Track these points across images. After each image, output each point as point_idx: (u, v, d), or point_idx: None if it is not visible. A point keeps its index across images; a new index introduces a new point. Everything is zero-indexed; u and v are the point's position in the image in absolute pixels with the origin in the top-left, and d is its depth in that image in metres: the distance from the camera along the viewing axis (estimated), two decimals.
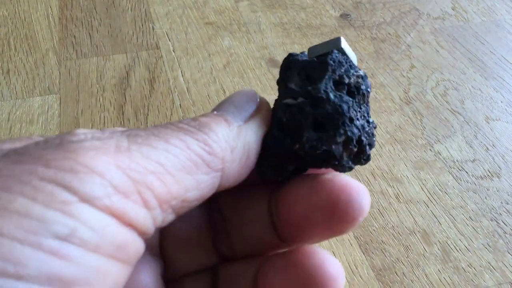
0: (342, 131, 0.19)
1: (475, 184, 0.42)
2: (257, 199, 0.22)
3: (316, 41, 0.57)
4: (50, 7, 0.61)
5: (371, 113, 0.48)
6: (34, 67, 0.53)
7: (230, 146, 0.18)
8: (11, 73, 0.52)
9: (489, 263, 0.37)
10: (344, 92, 0.20)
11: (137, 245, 0.16)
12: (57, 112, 0.48)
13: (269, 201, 0.21)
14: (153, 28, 0.58)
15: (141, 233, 0.16)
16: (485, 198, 0.41)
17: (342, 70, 0.20)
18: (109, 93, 0.50)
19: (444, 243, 0.38)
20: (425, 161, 0.44)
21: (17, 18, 0.59)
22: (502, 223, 0.40)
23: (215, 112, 0.19)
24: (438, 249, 0.38)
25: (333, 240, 0.38)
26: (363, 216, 0.19)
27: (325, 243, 0.38)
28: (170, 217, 0.17)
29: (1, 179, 0.14)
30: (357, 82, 0.20)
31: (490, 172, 0.43)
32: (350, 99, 0.19)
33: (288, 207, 0.20)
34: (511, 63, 0.55)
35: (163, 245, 0.22)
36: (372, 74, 0.53)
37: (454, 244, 0.38)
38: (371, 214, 0.40)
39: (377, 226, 0.39)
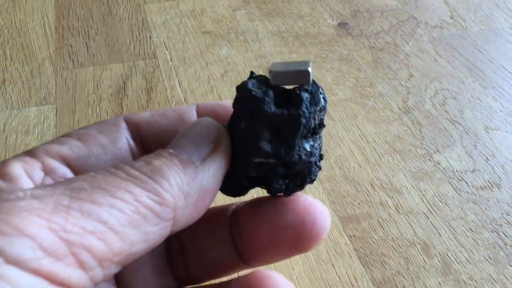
0: (308, 180, 0.20)
1: (475, 195, 0.42)
2: (217, 223, 0.21)
3: (314, 50, 0.57)
4: (47, 16, 0.61)
5: (369, 122, 0.47)
6: (30, 77, 0.52)
7: (183, 192, 0.17)
8: (7, 83, 0.51)
9: (490, 275, 0.37)
10: (310, 137, 0.19)
11: None
12: (53, 122, 0.47)
13: (230, 224, 0.21)
14: (150, 37, 0.58)
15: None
16: (486, 209, 0.41)
17: (311, 118, 0.19)
18: (106, 103, 0.49)
19: (445, 255, 0.38)
20: (424, 171, 0.44)
21: (13, 27, 0.59)
22: (503, 235, 0.39)
23: (170, 150, 0.18)
24: (439, 261, 0.38)
25: (332, 253, 0.38)
26: (326, 234, 0.19)
27: (324, 255, 0.37)
28: (113, 271, 0.16)
29: None
30: (321, 118, 0.20)
31: (490, 183, 0.43)
32: (315, 144, 0.19)
33: (253, 229, 0.20)
34: (510, 72, 0.54)
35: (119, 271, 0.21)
36: (370, 83, 0.52)
37: (455, 256, 0.38)
38: (371, 226, 0.40)
39: (376, 238, 0.39)
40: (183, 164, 0.18)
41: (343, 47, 0.57)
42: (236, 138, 0.19)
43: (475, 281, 0.36)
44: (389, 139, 0.47)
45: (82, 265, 0.15)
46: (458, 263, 0.38)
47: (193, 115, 0.21)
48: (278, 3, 0.64)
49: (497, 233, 0.40)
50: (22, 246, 0.14)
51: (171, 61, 0.55)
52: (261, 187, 0.20)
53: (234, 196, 0.20)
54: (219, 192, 0.20)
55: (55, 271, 0.14)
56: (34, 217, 0.15)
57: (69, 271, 0.15)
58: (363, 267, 0.37)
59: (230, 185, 0.20)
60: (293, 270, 0.37)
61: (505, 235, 0.39)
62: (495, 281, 0.36)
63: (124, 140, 0.20)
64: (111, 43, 0.57)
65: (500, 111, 0.50)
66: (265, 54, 0.56)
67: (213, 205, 0.20)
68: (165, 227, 0.17)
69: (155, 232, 0.17)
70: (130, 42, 0.57)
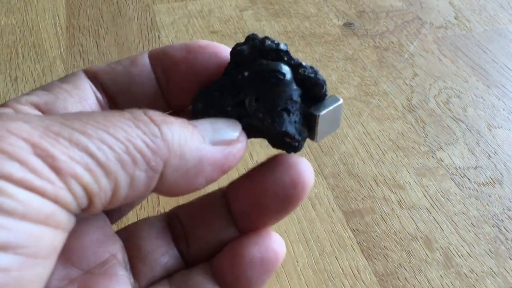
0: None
1: (477, 191, 0.43)
2: (213, 201, 0.23)
3: (320, 49, 0.57)
4: (58, 16, 0.62)
5: (374, 120, 0.48)
6: (41, 75, 0.54)
7: (180, 151, 0.17)
8: (19, 81, 0.53)
9: (490, 268, 0.37)
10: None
11: (66, 215, 0.16)
12: None
13: (225, 199, 0.22)
14: (159, 37, 0.59)
15: (68, 210, 0.16)
16: (487, 204, 0.42)
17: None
18: None
19: (446, 249, 0.39)
20: (427, 168, 0.45)
21: (25, 26, 0.60)
22: (504, 230, 0.40)
23: (187, 119, 0.18)
24: (440, 254, 0.38)
25: (336, 246, 0.39)
26: (310, 185, 0.20)
27: (328, 248, 0.38)
28: (97, 209, 0.17)
29: None
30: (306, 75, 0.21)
31: (492, 179, 0.44)
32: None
33: (244, 195, 0.21)
34: None
35: (129, 251, 0.23)
36: (375, 82, 0.53)
37: (456, 250, 0.39)
38: (374, 220, 0.40)
39: (379, 232, 0.40)
40: (195, 133, 0.18)
41: (348, 47, 0.58)
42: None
43: (476, 274, 0.37)
44: (393, 136, 0.47)
45: (71, 191, 0.15)
46: (459, 256, 0.38)
47: (145, 60, 0.22)
48: (284, 4, 0.65)
49: (498, 228, 0.40)
50: (11, 167, 0.15)
51: None
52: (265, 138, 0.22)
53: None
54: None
55: (46, 189, 0.15)
56: (22, 143, 0.15)
57: (61, 193, 0.15)
58: (366, 259, 0.38)
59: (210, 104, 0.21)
60: (297, 262, 0.37)
61: (506, 230, 0.40)
62: (495, 274, 0.37)
63: (86, 85, 0.21)
64: (121, 42, 0.58)
65: (503, 109, 0.51)
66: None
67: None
68: (152, 178, 0.17)
69: (141, 179, 0.16)
70: (139, 41, 0.58)
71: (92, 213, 0.17)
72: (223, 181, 0.22)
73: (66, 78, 0.21)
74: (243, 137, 0.20)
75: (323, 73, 0.54)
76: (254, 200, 0.21)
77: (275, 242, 0.21)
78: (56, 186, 0.15)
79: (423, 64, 0.56)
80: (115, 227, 0.25)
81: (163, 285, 0.22)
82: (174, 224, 0.23)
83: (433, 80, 0.54)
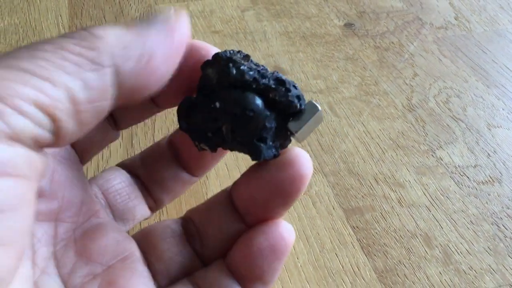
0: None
1: (476, 189, 0.43)
2: (221, 200, 0.23)
3: (321, 49, 0.58)
4: (60, 16, 0.63)
5: (374, 119, 0.49)
6: None
7: (121, 42, 0.17)
8: None
9: (489, 265, 0.38)
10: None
11: (26, 156, 0.15)
12: None
13: (231, 197, 0.23)
14: None
15: (31, 140, 0.15)
16: (486, 202, 0.42)
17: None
18: None
19: (446, 246, 0.39)
20: (427, 166, 0.45)
21: (27, 26, 0.61)
22: (502, 227, 0.40)
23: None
24: (440, 252, 0.39)
25: (336, 243, 0.39)
26: (309, 175, 0.21)
27: (328, 245, 0.39)
28: (70, 124, 0.16)
29: None
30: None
31: (491, 178, 0.44)
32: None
33: (248, 190, 0.22)
34: None
35: (145, 251, 0.23)
36: (375, 82, 0.54)
37: (455, 247, 0.39)
38: (374, 218, 0.41)
39: (379, 229, 0.40)
40: (128, 27, 0.18)
41: (349, 47, 0.59)
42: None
43: (474, 270, 0.38)
44: (393, 135, 0.48)
45: (21, 112, 0.15)
46: (458, 253, 0.39)
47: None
48: (285, 4, 0.65)
49: (497, 225, 0.41)
50: None
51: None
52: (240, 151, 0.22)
53: (211, 149, 0.22)
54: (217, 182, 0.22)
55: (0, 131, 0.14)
56: None
57: (7, 119, 0.14)
58: (366, 256, 0.38)
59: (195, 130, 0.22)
60: (297, 259, 0.38)
61: (505, 228, 0.40)
62: (494, 271, 0.38)
63: None
64: None
65: (503, 109, 0.51)
66: (272, 54, 0.57)
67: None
68: (105, 74, 0.17)
69: (94, 78, 0.16)
70: None
71: (68, 132, 0.16)
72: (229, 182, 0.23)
73: None
74: (182, 12, 0.20)
75: (323, 73, 0.54)
76: (255, 196, 0.21)
77: (282, 229, 0.21)
78: (6, 116, 0.14)
79: (423, 64, 0.57)
80: (131, 231, 0.26)
81: (184, 284, 0.22)
82: (188, 226, 0.24)
83: (433, 80, 0.54)
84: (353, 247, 0.39)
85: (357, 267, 0.38)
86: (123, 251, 0.22)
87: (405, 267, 0.38)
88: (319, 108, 0.21)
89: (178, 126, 0.23)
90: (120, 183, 0.25)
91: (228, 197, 0.23)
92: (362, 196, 0.42)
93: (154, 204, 0.26)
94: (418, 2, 0.67)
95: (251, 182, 0.22)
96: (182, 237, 0.23)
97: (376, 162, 0.45)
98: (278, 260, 0.21)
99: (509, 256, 0.39)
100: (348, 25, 0.62)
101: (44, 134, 0.16)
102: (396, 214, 0.41)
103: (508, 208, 0.42)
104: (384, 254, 0.38)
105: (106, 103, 0.17)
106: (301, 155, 0.21)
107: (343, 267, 0.37)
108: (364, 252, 0.38)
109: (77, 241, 0.21)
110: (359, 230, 0.40)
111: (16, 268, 0.16)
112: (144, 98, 0.19)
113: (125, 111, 0.23)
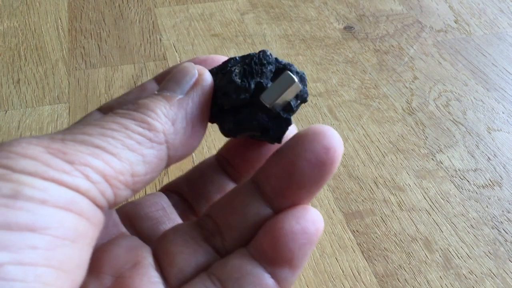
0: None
1: (476, 193, 0.43)
2: (242, 187, 0.23)
3: (320, 52, 0.58)
4: (60, 19, 0.62)
5: (374, 123, 0.49)
6: (44, 77, 0.54)
7: (170, 119, 0.20)
8: (21, 83, 0.53)
9: (490, 270, 0.38)
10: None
11: (87, 203, 0.17)
12: (66, 120, 0.49)
13: (253, 181, 0.22)
14: (160, 40, 0.60)
15: (90, 199, 0.17)
16: (486, 206, 0.42)
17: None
18: None
19: (446, 250, 0.39)
20: (427, 170, 0.45)
21: (27, 29, 0.61)
22: (503, 231, 0.40)
23: (155, 92, 0.21)
24: (440, 256, 0.39)
25: (336, 247, 0.39)
26: (341, 156, 0.20)
27: (328, 249, 0.39)
28: (125, 192, 0.19)
29: None
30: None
31: (491, 181, 0.44)
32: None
33: (275, 167, 0.21)
34: None
35: (158, 257, 0.23)
36: (375, 85, 0.54)
37: (456, 251, 0.39)
38: (374, 222, 0.41)
39: (379, 234, 0.40)
40: (167, 99, 0.20)
41: (348, 50, 0.58)
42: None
43: (475, 275, 0.37)
44: (393, 139, 0.48)
45: (88, 178, 0.17)
46: (459, 258, 0.38)
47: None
48: (285, 8, 0.65)
49: (498, 229, 0.40)
50: (26, 163, 0.16)
51: (180, 62, 0.56)
52: (254, 135, 0.23)
53: (228, 135, 0.23)
54: None
55: (64, 179, 0.16)
56: (33, 146, 0.17)
57: (77, 181, 0.17)
58: (366, 261, 0.38)
59: (222, 124, 0.22)
60: None
61: (506, 232, 0.40)
62: (495, 276, 0.37)
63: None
64: (123, 45, 0.59)
65: (503, 112, 0.51)
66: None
67: None
68: (161, 150, 0.19)
69: (152, 154, 0.19)
70: (141, 44, 0.59)
71: (122, 198, 0.19)
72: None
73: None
74: (202, 69, 0.22)
75: (323, 76, 0.54)
76: (287, 174, 0.21)
77: (313, 214, 0.21)
78: (72, 176, 0.17)
79: (423, 67, 0.57)
80: None
81: (201, 277, 0.22)
82: (206, 224, 0.23)
83: (433, 83, 0.54)
84: (353, 251, 0.39)
85: (357, 272, 0.37)
86: (134, 258, 0.22)
87: (406, 271, 0.38)
88: (296, 80, 0.21)
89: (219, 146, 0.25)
90: (151, 207, 0.25)
91: (252, 185, 0.22)
92: (362, 200, 0.42)
93: (193, 217, 0.26)
94: (418, 5, 0.67)
95: (281, 161, 0.21)
96: (196, 237, 0.23)
97: (376, 166, 0.45)
98: (309, 244, 0.20)
99: (509, 260, 0.38)
100: (348, 28, 0.62)
101: (103, 202, 0.18)
102: (396, 218, 0.41)
103: (509, 212, 0.42)
104: (385, 258, 0.38)
105: (157, 174, 0.20)
106: (327, 128, 0.20)
107: (343, 272, 0.37)
108: (364, 257, 0.38)
109: (91, 258, 0.21)
110: (359, 234, 0.40)
111: None
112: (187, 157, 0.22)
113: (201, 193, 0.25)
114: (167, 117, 0.20)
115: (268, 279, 0.21)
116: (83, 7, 0.64)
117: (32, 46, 0.58)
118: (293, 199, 0.21)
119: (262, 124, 0.22)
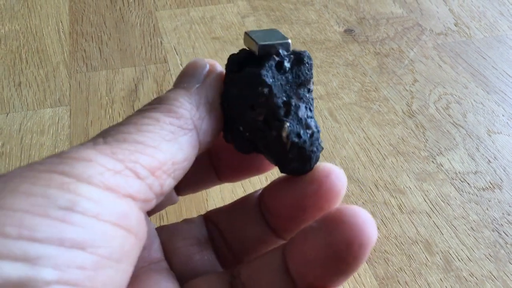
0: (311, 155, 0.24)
1: (477, 196, 0.43)
2: (247, 205, 0.24)
3: (321, 55, 0.58)
4: (61, 22, 0.63)
5: (374, 125, 0.49)
6: (45, 80, 0.54)
7: (194, 105, 0.21)
8: (23, 85, 0.53)
9: (490, 272, 0.38)
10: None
11: (137, 215, 0.18)
12: (67, 123, 0.49)
13: (259, 204, 0.23)
14: (161, 43, 0.60)
15: (141, 201, 0.18)
16: (487, 209, 0.42)
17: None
18: (118, 105, 0.51)
19: (446, 253, 0.39)
20: (427, 172, 0.45)
21: (28, 32, 0.61)
22: (503, 234, 0.40)
23: (172, 88, 0.22)
24: (440, 258, 0.39)
25: None
26: (343, 192, 0.21)
27: None
28: (168, 181, 0.19)
29: (4, 178, 0.16)
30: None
31: (491, 184, 0.44)
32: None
33: (278, 202, 0.22)
34: None
35: (172, 264, 0.23)
36: (375, 88, 0.54)
37: (456, 254, 0.39)
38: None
39: (380, 236, 0.40)
40: (186, 89, 0.21)
41: (349, 53, 0.59)
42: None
43: (475, 277, 0.37)
44: (393, 141, 0.48)
45: (137, 175, 0.18)
46: (459, 260, 0.39)
47: None
48: (286, 11, 0.65)
49: (498, 232, 0.40)
50: (84, 167, 0.17)
51: (181, 65, 0.56)
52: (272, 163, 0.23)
53: (243, 152, 0.23)
54: (247, 181, 0.23)
55: (118, 183, 0.17)
56: (84, 149, 0.17)
57: (130, 182, 0.17)
58: (367, 263, 0.38)
59: (237, 142, 0.23)
60: None
61: (506, 234, 0.40)
62: (495, 278, 0.37)
63: None
64: (124, 48, 0.59)
65: (503, 115, 0.51)
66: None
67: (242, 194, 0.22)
68: (192, 136, 0.20)
69: (186, 140, 0.20)
70: (141, 47, 0.59)
71: (166, 188, 0.20)
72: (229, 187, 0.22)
73: None
74: (211, 61, 0.23)
75: (324, 79, 0.54)
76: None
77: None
78: (123, 175, 0.17)
79: (423, 70, 0.57)
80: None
81: (211, 276, 0.23)
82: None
83: (433, 86, 0.55)
84: None
85: (358, 274, 0.37)
86: (148, 252, 0.23)
87: (406, 274, 0.38)
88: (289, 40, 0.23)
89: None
90: (185, 240, 0.25)
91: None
92: (363, 203, 0.42)
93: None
94: (418, 8, 0.67)
95: (282, 191, 0.22)
96: (204, 238, 0.24)
97: (376, 168, 0.45)
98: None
99: (510, 262, 0.38)
100: (348, 31, 0.62)
101: (151, 197, 0.19)
102: (396, 220, 0.41)
103: (509, 215, 0.42)
104: (385, 261, 0.38)
105: (192, 161, 0.21)
106: (334, 169, 0.21)
107: None
108: None
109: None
110: None
111: None
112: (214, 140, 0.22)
113: (188, 180, 0.24)
114: (191, 103, 0.21)
115: None
116: (84, 10, 0.65)
117: (33, 49, 0.58)
118: (292, 227, 0.22)
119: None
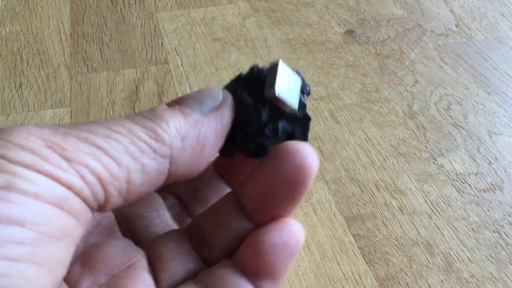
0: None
1: (477, 197, 0.43)
2: (226, 199, 0.23)
3: (321, 56, 0.58)
4: (62, 23, 0.63)
5: (375, 126, 0.49)
6: (46, 81, 0.54)
7: (181, 135, 0.19)
8: (23, 87, 0.53)
9: (491, 274, 0.38)
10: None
11: (78, 201, 0.17)
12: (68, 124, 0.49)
13: (235, 194, 0.23)
14: (162, 44, 0.60)
15: (82, 199, 0.17)
16: (488, 210, 0.42)
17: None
18: (119, 106, 0.51)
19: (447, 254, 0.39)
20: (428, 173, 0.45)
21: (29, 33, 0.61)
22: (504, 235, 0.40)
23: (176, 106, 0.20)
24: (441, 260, 0.39)
25: (337, 251, 0.39)
26: (315, 170, 0.20)
27: (329, 253, 0.39)
28: (117, 200, 0.18)
29: None
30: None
31: (492, 185, 0.44)
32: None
33: (253, 187, 0.22)
34: None
35: (151, 261, 0.23)
36: (376, 89, 0.54)
37: (457, 255, 0.39)
38: (375, 225, 0.41)
39: (380, 237, 0.40)
40: (185, 115, 0.20)
41: (349, 54, 0.59)
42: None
43: (476, 279, 0.37)
44: (394, 142, 0.48)
45: (83, 178, 0.17)
46: (460, 261, 0.38)
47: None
48: (286, 12, 0.65)
49: (499, 233, 0.40)
50: (24, 155, 0.16)
51: (182, 66, 0.56)
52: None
53: (257, 157, 0.23)
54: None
55: (59, 175, 0.16)
56: (33, 137, 0.17)
57: (72, 179, 0.17)
58: (367, 264, 0.38)
59: (248, 150, 0.23)
60: (298, 266, 0.38)
61: (507, 236, 0.40)
62: (496, 280, 0.37)
63: None
64: (124, 49, 0.59)
65: (504, 116, 0.51)
66: (273, 60, 0.57)
67: None
68: (162, 163, 0.19)
69: (152, 165, 0.19)
70: (142, 48, 0.59)
71: (113, 205, 0.19)
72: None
73: None
74: (227, 95, 0.22)
75: (324, 80, 0.54)
76: (263, 193, 0.21)
77: (293, 227, 0.21)
78: (68, 173, 0.17)
79: (424, 71, 0.57)
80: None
81: (189, 285, 0.22)
82: (194, 232, 0.24)
83: (434, 87, 0.54)
84: (354, 255, 0.39)
85: (358, 275, 0.37)
86: (128, 260, 0.22)
87: (407, 275, 0.38)
88: (281, 61, 0.22)
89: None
90: (145, 208, 0.25)
91: (234, 198, 0.23)
92: (363, 204, 0.42)
93: (189, 219, 0.26)
94: (419, 9, 0.67)
95: (257, 180, 0.22)
96: (187, 245, 0.23)
97: (377, 169, 0.45)
98: (290, 257, 0.21)
99: (511, 264, 0.38)
100: (349, 32, 0.62)
101: (93, 203, 0.18)
102: (397, 221, 0.41)
103: (510, 216, 0.42)
104: (386, 262, 0.38)
105: (153, 188, 0.20)
106: (301, 146, 0.20)
107: (344, 275, 0.37)
108: (365, 260, 0.38)
109: (84, 254, 0.21)
110: (360, 237, 0.40)
111: None
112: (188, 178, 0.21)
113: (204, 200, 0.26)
114: (179, 131, 0.19)
115: None
116: (85, 12, 0.65)
117: (34, 51, 0.58)
118: (272, 213, 0.22)
119: (286, 132, 0.22)
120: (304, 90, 0.23)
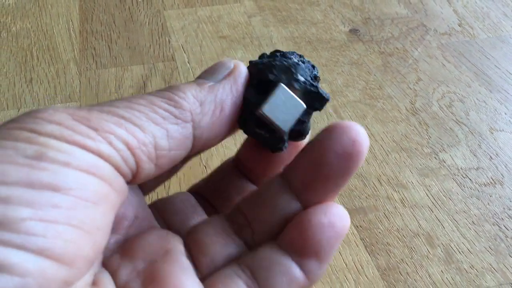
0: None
1: (478, 191, 0.44)
2: (271, 183, 0.23)
3: (326, 54, 0.59)
4: (71, 20, 0.64)
5: (378, 122, 0.50)
6: (55, 76, 0.55)
7: (198, 100, 0.20)
8: (34, 82, 0.54)
9: (490, 264, 0.39)
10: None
11: (109, 169, 0.18)
12: None
13: (284, 178, 0.23)
14: (169, 41, 0.61)
15: (113, 165, 0.18)
16: (488, 204, 0.43)
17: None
18: None
19: (447, 246, 0.40)
20: (430, 168, 0.46)
21: (39, 30, 0.62)
22: (504, 228, 0.41)
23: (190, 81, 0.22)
24: (441, 251, 0.39)
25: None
26: (367, 149, 0.20)
27: None
28: (148, 165, 0.19)
29: None
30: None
31: (493, 180, 0.45)
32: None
33: (303, 164, 0.22)
34: None
35: (189, 247, 0.23)
36: (379, 86, 0.55)
37: (457, 247, 0.40)
38: (377, 218, 0.41)
39: (382, 229, 0.41)
40: (199, 84, 0.21)
41: (354, 52, 0.60)
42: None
43: (476, 269, 0.38)
44: (396, 138, 0.49)
45: (111, 144, 0.18)
46: (460, 253, 0.39)
47: None
48: (292, 11, 0.66)
49: (499, 226, 0.41)
50: (52, 128, 0.17)
51: (188, 63, 0.57)
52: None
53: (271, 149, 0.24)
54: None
55: (87, 143, 0.17)
56: (58, 112, 0.18)
57: (101, 146, 0.17)
58: (369, 255, 0.39)
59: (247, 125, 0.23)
60: None
61: (506, 228, 0.41)
62: (495, 270, 0.38)
63: None
64: (132, 46, 0.60)
65: (505, 113, 0.52)
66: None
67: None
68: (185, 127, 0.20)
69: (176, 129, 0.20)
70: (150, 45, 0.60)
71: (146, 172, 0.19)
72: None
73: None
74: (238, 62, 0.22)
75: (328, 77, 0.55)
76: (315, 166, 0.21)
77: (340, 210, 0.21)
78: (96, 141, 0.17)
79: (427, 69, 0.57)
80: None
81: (231, 266, 0.22)
82: (236, 217, 0.24)
83: (436, 84, 0.55)
84: (357, 245, 0.40)
85: (361, 265, 0.38)
86: (166, 246, 0.22)
87: (408, 265, 0.38)
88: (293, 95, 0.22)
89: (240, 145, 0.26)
90: (180, 203, 0.26)
91: (280, 180, 0.23)
92: (366, 197, 0.43)
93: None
94: (422, 9, 0.68)
95: (309, 156, 0.22)
96: (228, 230, 0.23)
97: (379, 164, 0.46)
98: (335, 238, 0.21)
99: (510, 255, 0.39)
100: (353, 31, 0.63)
101: (126, 170, 0.18)
102: (399, 214, 0.42)
103: (510, 209, 0.42)
104: (387, 253, 0.39)
105: (182, 152, 0.20)
106: (354, 124, 0.21)
107: (346, 265, 0.38)
108: (367, 251, 0.39)
109: (123, 245, 0.22)
110: (363, 229, 0.41)
111: (91, 261, 0.18)
112: (215, 145, 0.22)
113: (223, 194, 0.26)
114: (196, 98, 0.20)
115: (295, 269, 0.21)
116: (94, 10, 0.66)
117: (44, 47, 0.59)
118: (321, 192, 0.22)
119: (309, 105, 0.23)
120: (314, 76, 0.24)
